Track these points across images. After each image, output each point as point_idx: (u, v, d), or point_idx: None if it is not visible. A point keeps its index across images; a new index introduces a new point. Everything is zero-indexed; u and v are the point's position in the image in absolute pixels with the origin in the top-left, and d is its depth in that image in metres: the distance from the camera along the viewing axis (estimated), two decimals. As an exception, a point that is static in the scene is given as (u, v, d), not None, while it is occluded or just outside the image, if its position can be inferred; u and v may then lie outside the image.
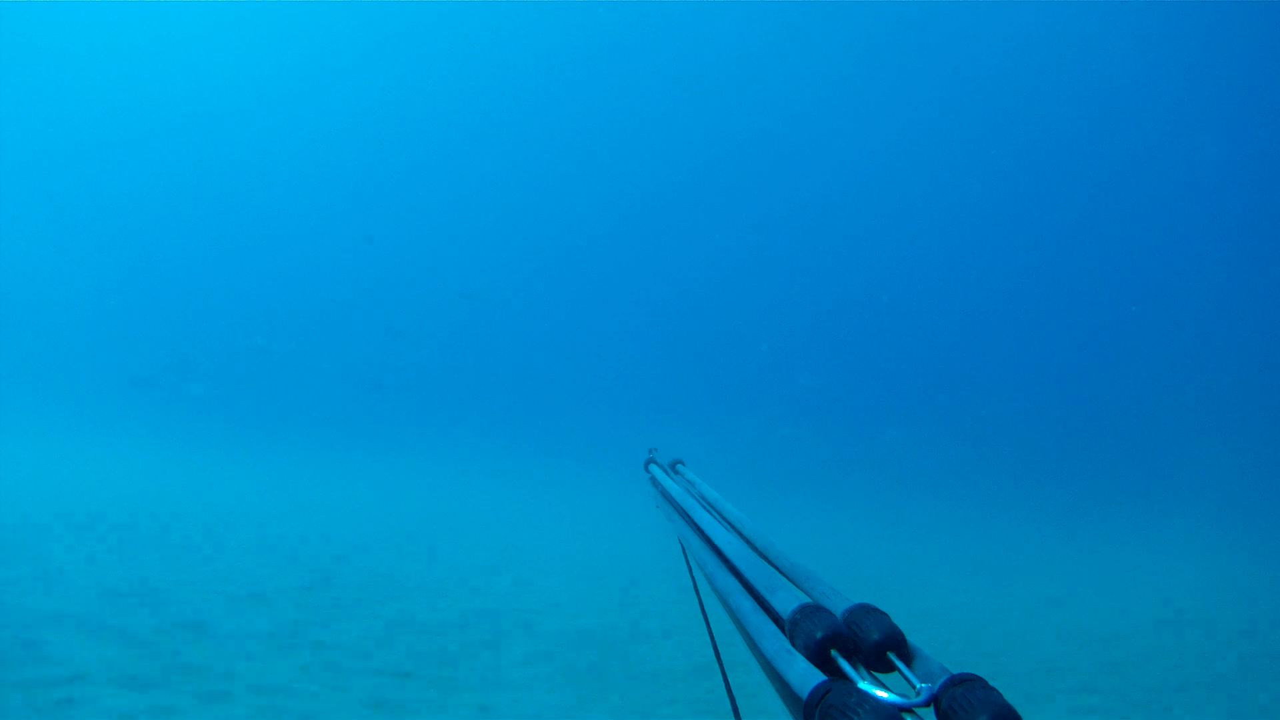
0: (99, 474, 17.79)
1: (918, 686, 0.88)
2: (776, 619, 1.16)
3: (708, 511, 1.83)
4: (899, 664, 0.99)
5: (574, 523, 18.14)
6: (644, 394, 43.68)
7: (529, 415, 40.85)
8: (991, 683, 0.83)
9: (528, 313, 47.59)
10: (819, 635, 1.03)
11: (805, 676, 0.94)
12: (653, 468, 2.42)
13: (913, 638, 1.02)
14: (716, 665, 1.46)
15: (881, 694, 0.89)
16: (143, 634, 6.49)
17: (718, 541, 1.59)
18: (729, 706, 1.28)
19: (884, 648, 1.01)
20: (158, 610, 7.25)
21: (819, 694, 0.87)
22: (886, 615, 1.05)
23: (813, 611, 1.07)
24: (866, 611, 1.06)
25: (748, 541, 1.57)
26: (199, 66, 46.36)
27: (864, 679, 0.96)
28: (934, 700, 0.85)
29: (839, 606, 1.11)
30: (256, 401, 36.92)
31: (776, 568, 1.39)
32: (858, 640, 1.03)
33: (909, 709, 0.85)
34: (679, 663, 7.22)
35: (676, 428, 39.16)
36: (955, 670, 0.89)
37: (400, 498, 20.10)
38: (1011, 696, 0.82)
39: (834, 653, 1.02)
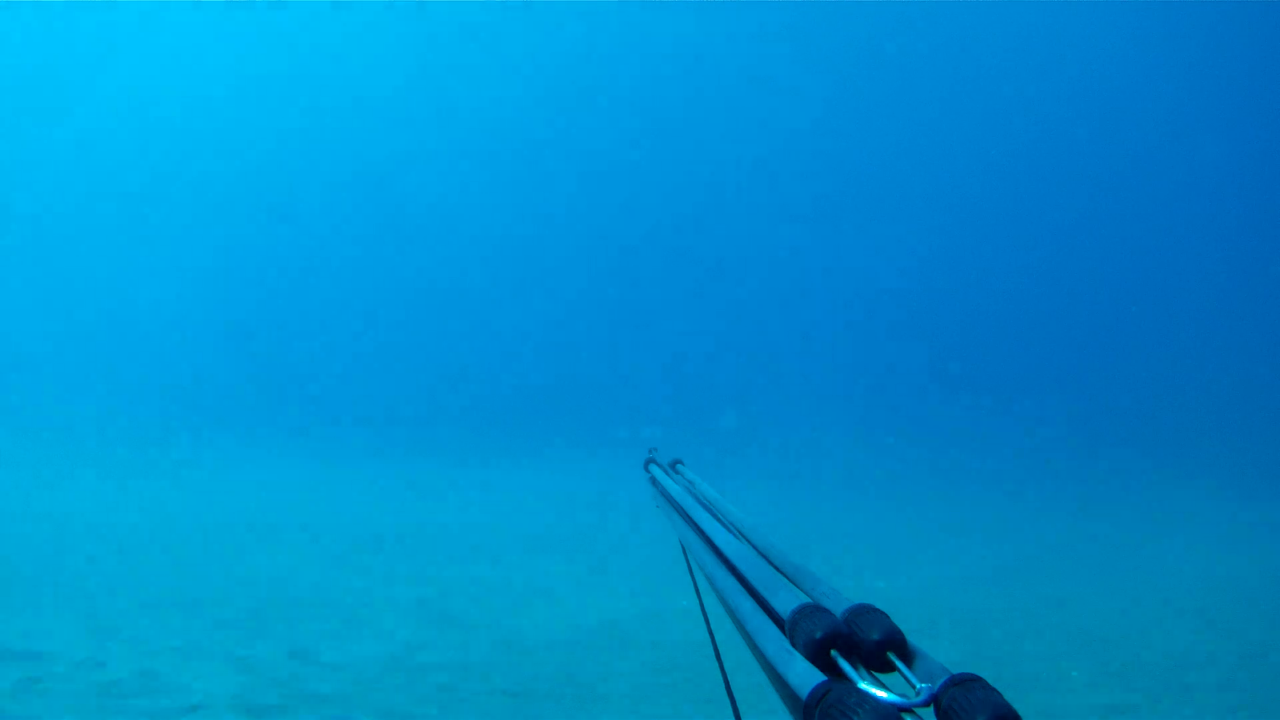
0: (140, 489, 17.35)
1: (918, 686, 0.88)
2: (777, 619, 1.16)
3: (708, 511, 1.83)
4: (899, 664, 0.99)
5: (574, 522, 18.11)
6: (644, 394, 43.63)
7: (529, 415, 40.79)
8: (992, 683, 0.83)
9: (527, 313, 47.56)
10: (819, 635, 1.03)
11: (805, 676, 0.94)
12: (653, 468, 2.42)
13: (912, 638, 1.02)
14: (716, 665, 1.46)
15: (881, 694, 0.89)
16: (253, 660, 6.39)
17: (718, 541, 1.59)
18: (729, 706, 1.28)
19: (884, 648, 1.01)
20: (263, 634, 7.14)
21: (819, 694, 0.87)
22: (886, 615, 1.05)
23: (813, 612, 1.07)
24: (866, 611, 1.06)
25: (748, 541, 1.57)
26: (197, 65, 46.38)
27: (864, 679, 0.96)
28: (934, 700, 0.85)
29: (839, 607, 1.11)
30: (263, 405, 36.84)
31: (777, 568, 1.39)
32: (858, 640, 1.03)
33: (909, 709, 0.85)
34: (678, 662, 7.21)
35: (677, 428, 39.11)
36: (955, 670, 0.89)
37: (399, 499, 20.07)
38: (1011, 696, 0.82)
39: (834, 653, 1.02)
